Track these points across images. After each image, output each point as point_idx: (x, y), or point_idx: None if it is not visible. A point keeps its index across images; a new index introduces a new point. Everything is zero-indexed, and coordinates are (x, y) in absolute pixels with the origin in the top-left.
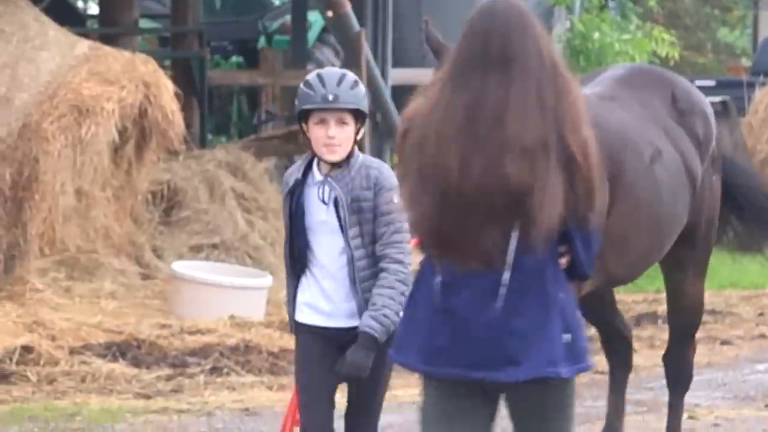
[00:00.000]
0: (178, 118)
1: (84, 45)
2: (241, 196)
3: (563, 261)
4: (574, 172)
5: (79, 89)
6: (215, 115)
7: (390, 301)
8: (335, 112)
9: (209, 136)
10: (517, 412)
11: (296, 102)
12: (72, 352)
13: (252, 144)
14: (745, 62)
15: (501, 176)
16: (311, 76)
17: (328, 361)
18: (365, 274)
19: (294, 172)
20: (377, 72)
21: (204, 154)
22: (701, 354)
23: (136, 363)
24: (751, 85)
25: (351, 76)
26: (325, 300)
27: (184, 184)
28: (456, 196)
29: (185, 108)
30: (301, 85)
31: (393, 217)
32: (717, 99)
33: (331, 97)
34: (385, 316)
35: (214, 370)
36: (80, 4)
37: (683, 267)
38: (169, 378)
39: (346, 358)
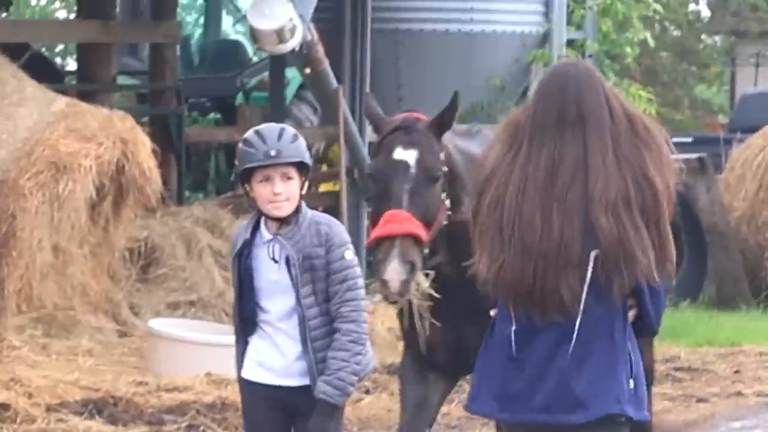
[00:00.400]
0: (156, 175)
1: (62, 101)
2: (219, 253)
3: (631, 315)
4: (649, 224)
5: (56, 146)
6: (193, 171)
7: (344, 363)
8: (279, 167)
9: (187, 193)
10: None
11: (236, 162)
12: (49, 409)
13: (230, 201)
14: (723, 119)
15: (583, 229)
16: (249, 134)
17: (272, 422)
18: (318, 333)
19: (241, 233)
20: (355, 128)
21: (181, 211)
22: (678, 412)
23: (113, 420)
24: (728, 142)
25: (290, 129)
26: (278, 357)
27: (162, 241)
28: (536, 251)
29: (163, 165)
30: (240, 145)
31: (346, 273)
32: (694, 156)
33: (273, 153)
34: (339, 379)
35: (191, 428)
36: (58, 61)
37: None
38: None
39: (309, 428)
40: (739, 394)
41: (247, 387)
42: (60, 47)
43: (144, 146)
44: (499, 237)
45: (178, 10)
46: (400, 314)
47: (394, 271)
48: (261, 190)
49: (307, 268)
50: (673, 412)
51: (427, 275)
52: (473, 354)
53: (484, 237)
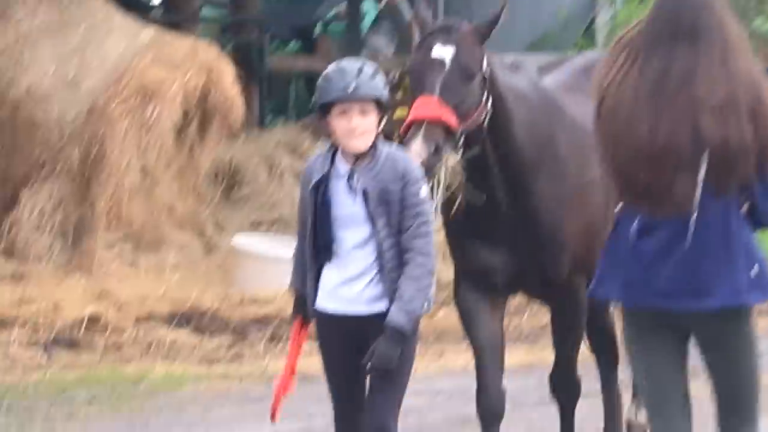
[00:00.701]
0: (239, 101)
1: (149, 32)
2: (299, 174)
3: (744, 208)
4: (759, 125)
5: (144, 74)
6: (274, 98)
7: (416, 293)
8: (357, 102)
9: (268, 118)
10: (706, 343)
11: (317, 96)
12: (137, 320)
13: (309, 124)
14: None
15: (692, 131)
16: (330, 69)
17: (349, 353)
18: (392, 264)
19: (316, 166)
20: None
21: (263, 135)
22: None
23: (199, 331)
24: None
25: (370, 66)
26: (350, 287)
27: (245, 163)
28: (648, 152)
29: (245, 91)
30: (321, 80)
31: (420, 209)
32: None
33: (351, 88)
34: (410, 308)
35: (273, 339)
36: None
37: None
38: (230, 346)
39: (375, 351)
40: None
41: (322, 317)
42: None
43: (227, 74)
44: (614, 144)
45: None
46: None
47: (415, 150)
48: (339, 124)
49: (382, 202)
50: None
51: (456, 157)
52: (529, 280)
53: (604, 140)
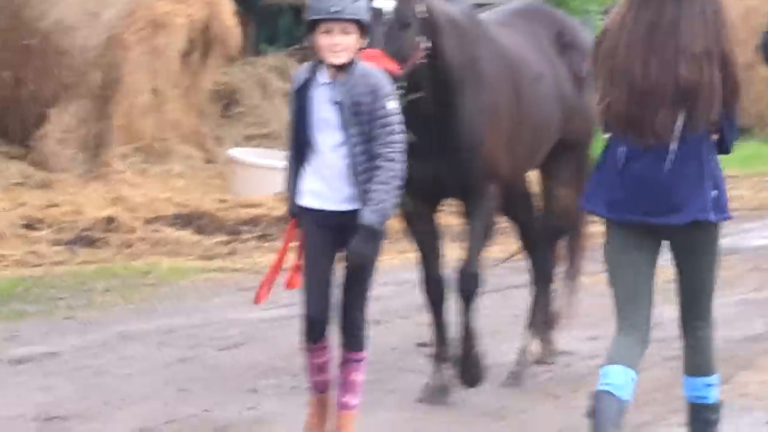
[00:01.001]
0: (236, 31)
1: None
2: (287, 95)
3: (714, 137)
4: (726, 72)
5: (154, 7)
6: (266, 29)
7: (386, 196)
8: (339, 22)
9: (261, 46)
10: (677, 250)
11: (306, 12)
12: (146, 222)
13: (297, 52)
14: None
15: (675, 75)
16: None
17: (327, 244)
18: (362, 168)
19: (303, 73)
20: None
21: (257, 61)
22: None
23: (199, 231)
24: None
25: None
26: (326, 187)
27: (241, 84)
28: (638, 90)
29: (241, 23)
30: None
31: (388, 119)
32: None
33: (334, 9)
34: (381, 208)
35: (263, 237)
36: None
37: (556, 176)
38: (226, 243)
39: (352, 249)
40: None
41: (303, 212)
42: None
43: (227, 7)
44: (610, 80)
45: None
46: None
47: None
48: (323, 40)
49: (355, 112)
50: None
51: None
52: (449, 187)
53: (599, 80)
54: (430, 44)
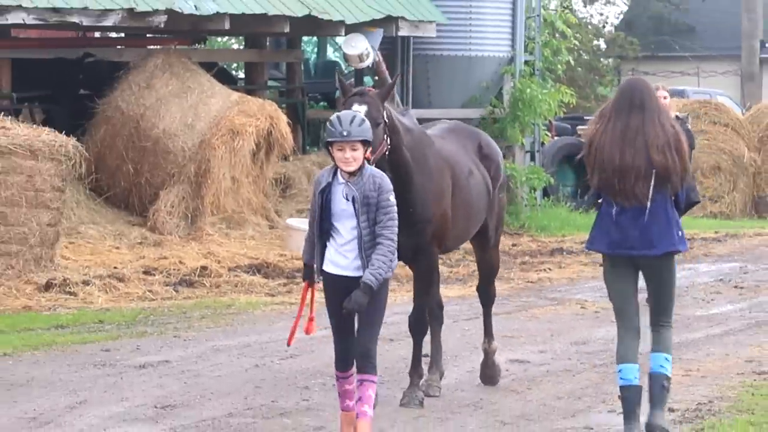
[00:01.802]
0: (290, 137)
1: (236, 95)
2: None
3: (672, 197)
4: (680, 158)
5: (233, 120)
6: (310, 135)
7: (382, 264)
8: (349, 142)
9: (307, 147)
10: (649, 274)
11: (324, 135)
12: (229, 269)
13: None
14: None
15: (647, 159)
16: (333, 118)
17: (343, 299)
18: (368, 245)
19: (324, 176)
20: (402, 107)
21: (305, 157)
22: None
23: (266, 276)
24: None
25: (360, 116)
26: (342, 258)
27: (293, 174)
28: (620, 170)
29: (293, 130)
30: (327, 123)
31: (389, 209)
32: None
33: (345, 133)
34: (379, 273)
35: None
36: (234, 73)
37: (483, 244)
38: (284, 284)
39: (351, 298)
40: None
41: (326, 275)
42: (234, 64)
43: (283, 121)
44: (600, 165)
45: (303, 43)
46: None
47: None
48: (337, 154)
49: (364, 204)
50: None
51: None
52: (403, 251)
53: (590, 167)
54: (389, 141)
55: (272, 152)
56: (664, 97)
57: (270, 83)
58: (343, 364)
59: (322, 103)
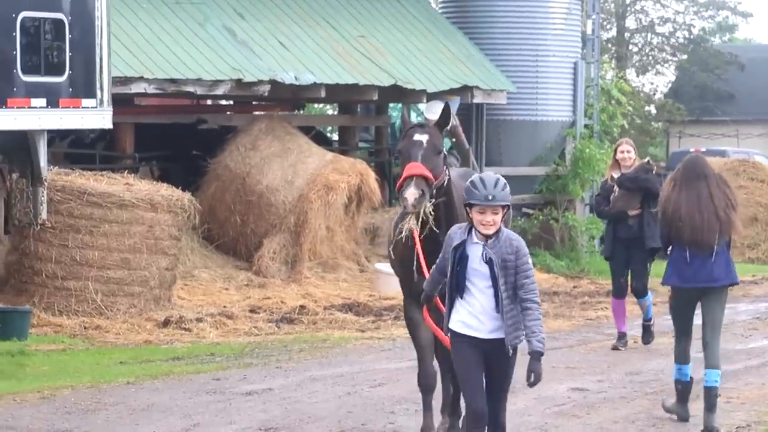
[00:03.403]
0: (378, 191)
1: (330, 155)
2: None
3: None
4: (734, 214)
5: (327, 176)
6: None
7: (540, 328)
8: (491, 206)
9: (393, 201)
10: (710, 302)
11: (465, 195)
12: (325, 308)
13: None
14: (663, 164)
15: (718, 218)
16: (476, 178)
17: (476, 358)
18: (507, 309)
19: (458, 234)
20: (477, 168)
21: (391, 209)
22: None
23: (357, 314)
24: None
25: (502, 180)
26: (475, 320)
27: (381, 224)
28: (698, 227)
29: (381, 186)
30: (468, 184)
31: (529, 272)
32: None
33: (490, 197)
34: (543, 338)
35: (396, 318)
36: (329, 135)
37: None
38: (373, 321)
39: (533, 372)
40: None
41: (454, 335)
42: (329, 128)
43: (372, 177)
44: (676, 223)
45: (389, 109)
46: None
47: (411, 193)
48: (477, 217)
49: (502, 267)
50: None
51: (432, 203)
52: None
53: (668, 226)
54: (448, 172)
55: (362, 205)
56: (628, 151)
57: (360, 144)
58: (480, 423)
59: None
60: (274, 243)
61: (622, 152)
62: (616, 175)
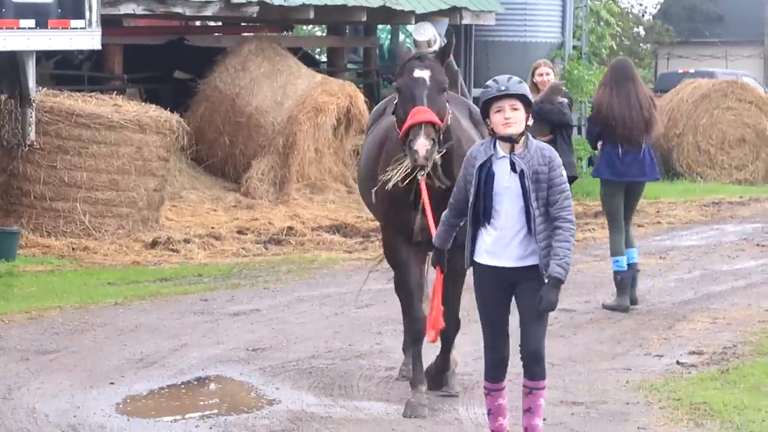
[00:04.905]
0: (366, 113)
1: (319, 76)
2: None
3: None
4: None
5: (316, 98)
6: None
7: (567, 252)
8: (508, 99)
9: None
10: (633, 194)
11: (480, 101)
12: (312, 229)
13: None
14: (651, 86)
15: (643, 116)
16: (489, 81)
17: (501, 295)
18: (540, 228)
19: (481, 151)
20: (465, 90)
21: None
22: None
23: (344, 235)
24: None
25: (516, 77)
26: (502, 247)
27: None
28: (625, 126)
29: (370, 108)
30: (482, 90)
31: (563, 186)
32: None
33: (503, 88)
34: (567, 263)
35: None
36: (317, 57)
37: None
38: (361, 242)
39: (542, 298)
40: (658, 223)
41: (481, 267)
42: (318, 49)
43: (360, 99)
44: (610, 122)
45: (377, 30)
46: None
47: (422, 144)
48: (495, 117)
49: (533, 181)
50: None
51: (439, 152)
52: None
53: (602, 121)
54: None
55: (351, 127)
56: (547, 74)
57: (349, 66)
58: (497, 372)
59: (394, 84)
60: (263, 164)
61: (540, 75)
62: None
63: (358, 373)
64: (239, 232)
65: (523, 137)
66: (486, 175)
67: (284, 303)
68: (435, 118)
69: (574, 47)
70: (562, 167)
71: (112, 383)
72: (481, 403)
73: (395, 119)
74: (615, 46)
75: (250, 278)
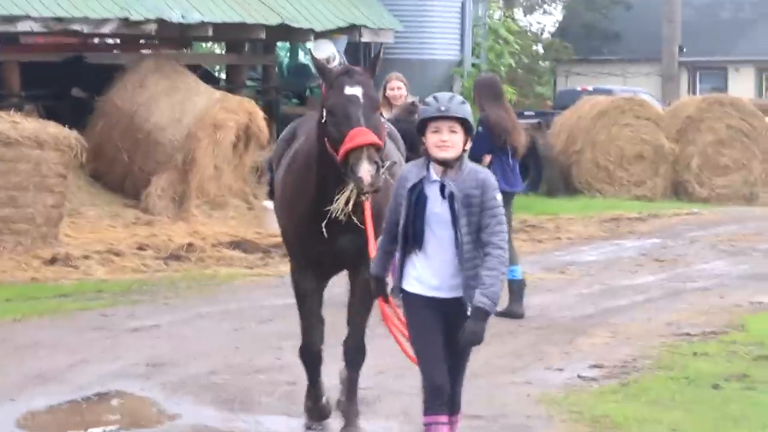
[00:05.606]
0: (266, 130)
1: (218, 93)
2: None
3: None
4: None
5: (215, 115)
6: (284, 128)
7: (496, 281)
8: (446, 121)
9: None
10: (512, 203)
11: (418, 117)
12: (212, 246)
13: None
14: (550, 103)
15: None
16: (429, 98)
17: (435, 325)
18: (469, 256)
19: (413, 171)
20: None
21: None
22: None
23: (245, 251)
24: (552, 114)
25: (459, 96)
26: (434, 276)
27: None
28: (514, 138)
29: (269, 125)
30: (422, 106)
31: (496, 210)
32: (535, 120)
33: (443, 108)
34: (494, 293)
35: (285, 255)
36: (216, 74)
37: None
38: (261, 258)
39: (465, 329)
40: (558, 238)
41: (409, 297)
42: (217, 66)
43: (260, 116)
44: (504, 134)
45: (277, 48)
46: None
47: (366, 170)
48: (431, 138)
49: (465, 205)
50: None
51: (382, 174)
52: (351, 261)
53: (496, 135)
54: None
55: (250, 143)
56: (399, 88)
57: (248, 83)
58: (436, 403)
59: (293, 101)
60: (162, 181)
61: (392, 89)
62: (387, 115)
63: (258, 388)
64: (139, 249)
65: (458, 161)
66: (416, 198)
67: (184, 319)
68: (376, 139)
69: (473, 65)
70: (498, 191)
71: (12, 400)
72: (385, 417)
73: (326, 139)
74: (514, 64)
75: (150, 294)
